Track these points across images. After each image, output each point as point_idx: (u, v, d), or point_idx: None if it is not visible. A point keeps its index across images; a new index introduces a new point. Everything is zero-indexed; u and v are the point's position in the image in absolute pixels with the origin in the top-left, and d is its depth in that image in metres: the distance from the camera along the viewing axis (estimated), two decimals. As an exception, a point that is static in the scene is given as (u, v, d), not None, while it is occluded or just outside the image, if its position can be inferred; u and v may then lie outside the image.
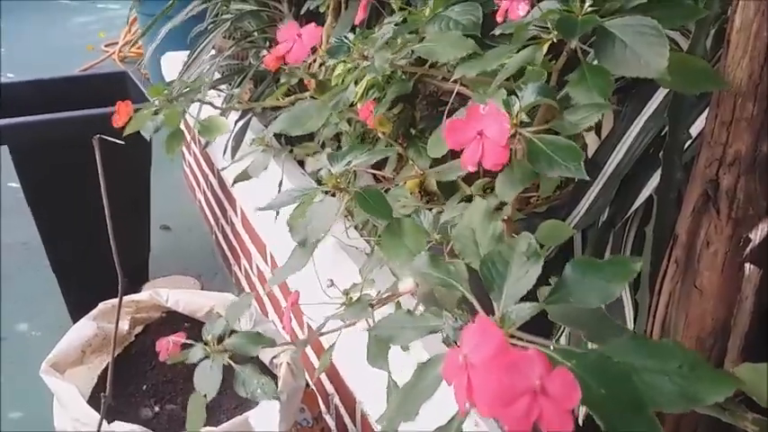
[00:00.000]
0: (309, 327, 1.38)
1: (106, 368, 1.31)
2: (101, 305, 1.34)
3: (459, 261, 0.59)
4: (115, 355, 1.05)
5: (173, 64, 2.33)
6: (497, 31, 0.68)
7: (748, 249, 0.59)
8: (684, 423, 0.64)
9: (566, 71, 0.63)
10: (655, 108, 0.79)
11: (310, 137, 1.32)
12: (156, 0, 3.11)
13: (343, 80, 1.02)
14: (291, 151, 1.39)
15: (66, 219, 1.83)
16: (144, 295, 1.38)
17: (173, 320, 1.39)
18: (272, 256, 1.60)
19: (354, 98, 0.96)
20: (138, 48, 3.92)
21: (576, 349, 0.43)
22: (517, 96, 0.60)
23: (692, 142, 0.74)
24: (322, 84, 1.12)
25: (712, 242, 0.61)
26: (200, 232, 2.38)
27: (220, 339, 0.73)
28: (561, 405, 0.38)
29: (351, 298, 0.75)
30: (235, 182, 1.33)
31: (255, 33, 1.64)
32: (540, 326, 0.49)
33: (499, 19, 0.62)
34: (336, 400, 1.31)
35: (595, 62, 0.59)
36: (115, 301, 1.32)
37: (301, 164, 1.48)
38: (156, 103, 1.16)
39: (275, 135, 1.33)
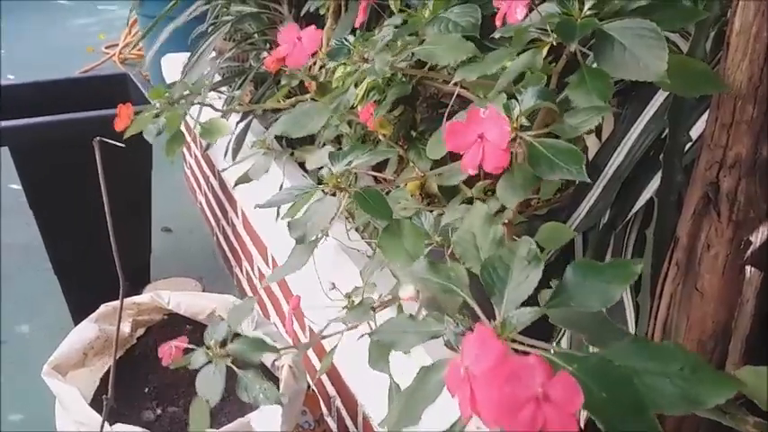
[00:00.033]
0: (311, 330, 1.38)
1: (108, 370, 1.31)
2: (102, 307, 1.34)
3: (460, 266, 0.59)
4: (117, 357, 1.05)
5: (173, 65, 2.33)
6: (497, 35, 0.68)
7: (749, 252, 0.59)
8: (685, 426, 0.64)
9: (565, 74, 0.63)
10: (655, 110, 0.79)
11: (311, 139, 1.32)
12: (157, 1, 3.11)
13: (343, 82, 1.02)
14: (292, 154, 1.39)
15: (68, 220, 1.83)
16: (145, 297, 1.38)
17: (174, 323, 1.39)
18: (273, 258, 1.60)
19: (355, 100, 0.96)
20: (139, 49, 3.93)
21: (577, 353, 0.43)
22: (517, 100, 0.60)
23: (692, 145, 0.74)
24: (323, 86, 1.12)
25: (713, 245, 0.61)
26: (202, 234, 2.38)
27: (223, 343, 0.73)
28: (564, 410, 0.38)
29: (353, 301, 0.75)
30: (236, 184, 1.34)
31: (256, 35, 1.64)
32: (541, 329, 0.50)
33: (498, 23, 0.62)
34: (338, 402, 1.31)
35: (595, 65, 0.59)
36: (116, 303, 1.32)
37: (302, 166, 1.48)
38: (157, 105, 1.16)
39: (276, 137, 1.33)
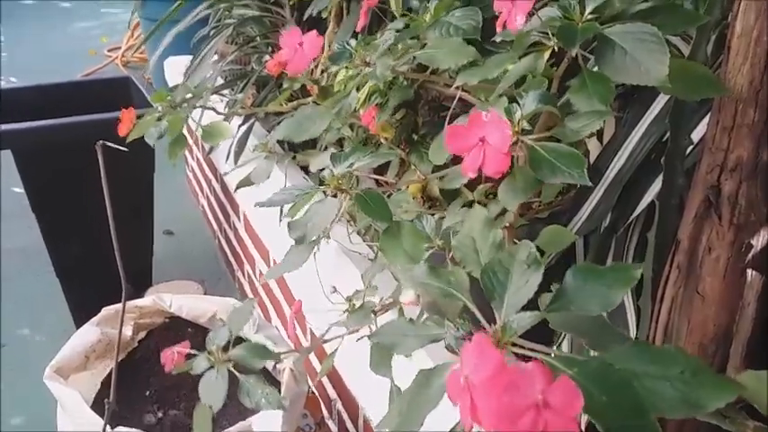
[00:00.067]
0: (313, 333, 1.38)
1: (109, 374, 1.31)
2: (104, 311, 1.34)
3: (460, 270, 0.59)
4: (118, 360, 1.05)
5: (175, 68, 2.33)
6: (498, 38, 0.68)
7: (750, 255, 0.59)
8: (686, 430, 0.64)
9: (567, 77, 0.63)
10: (656, 114, 0.79)
11: (313, 143, 1.32)
12: (159, 3, 3.12)
13: (345, 86, 1.02)
14: (294, 157, 1.39)
15: (70, 223, 1.84)
16: (147, 300, 1.38)
17: (176, 326, 1.39)
18: (274, 261, 1.60)
19: (357, 104, 0.96)
20: (142, 52, 3.93)
21: (578, 357, 0.43)
22: (518, 104, 0.60)
23: (693, 148, 0.74)
24: (324, 89, 1.12)
25: (714, 248, 0.61)
26: (203, 237, 2.39)
27: (225, 348, 0.73)
28: (565, 414, 0.38)
29: (354, 305, 0.75)
30: (238, 187, 1.34)
31: (258, 38, 1.65)
32: (542, 332, 0.50)
33: (498, 28, 0.62)
34: (339, 405, 1.31)
35: (596, 69, 0.59)
36: (118, 306, 1.32)
37: (304, 169, 1.48)
38: (160, 108, 1.16)
39: (278, 141, 1.33)
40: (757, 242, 0.58)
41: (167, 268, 2.13)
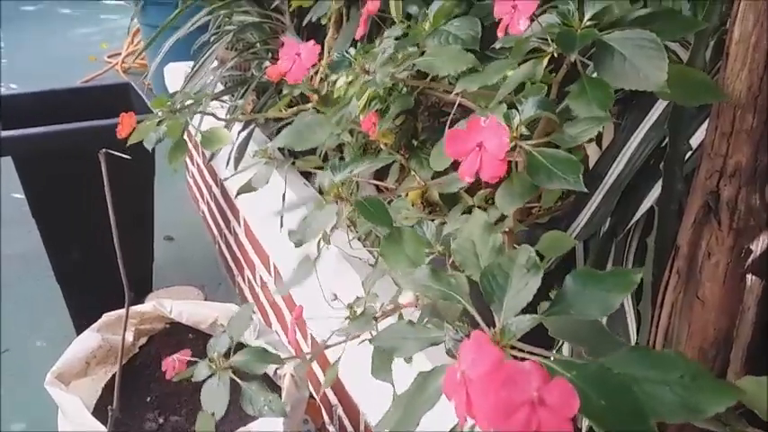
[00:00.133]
0: (313, 339, 1.38)
1: (110, 380, 1.31)
2: (105, 316, 1.34)
3: (461, 274, 0.59)
4: (120, 366, 1.06)
5: (176, 75, 2.34)
6: (498, 44, 0.69)
7: (750, 260, 0.59)
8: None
9: (566, 83, 0.64)
10: (655, 119, 0.79)
11: (313, 149, 1.33)
12: (159, 10, 3.12)
13: (345, 92, 1.02)
14: (294, 163, 1.40)
15: (70, 229, 1.84)
16: (148, 306, 1.38)
17: (176, 332, 1.39)
18: (275, 267, 1.60)
19: (356, 111, 0.96)
20: (142, 59, 3.94)
21: (577, 360, 0.43)
22: (517, 110, 0.60)
23: (692, 153, 0.74)
24: (324, 97, 1.13)
25: (714, 253, 0.61)
26: (204, 243, 2.39)
27: (226, 355, 0.73)
28: (560, 414, 0.38)
29: (355, 312, 0.75)
30: (238, 193, 1.34)
31: (258, 45, 1.65)
32: (542, 338, 0.50)
33: (500, 34, 0.63)
34: (340, 411, 1.31)
35: (595, 75, 0.59)
36: (119, 312, 1.32)
37: (304, 175, 1.48)
38: (160, 114, 1.17)
39: (278, 147, 1.34)
40: (757, 247, 0.58)
41: (168, 274, 2.13)
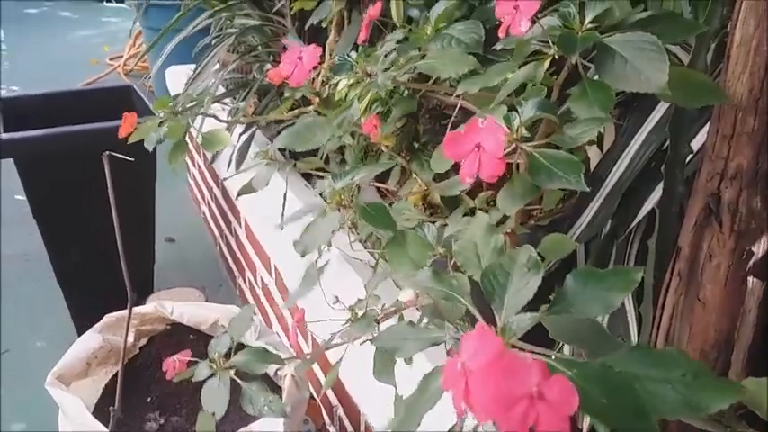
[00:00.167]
0: (314, 340, 1.38)
1: (111, 380, 1.31)
2: (106, 318, 1.34)
3: (462, 274, 0.59)
4: (122, 367, 1.06)
5: (177, 77, 2.34)
6: (499, 46, 0.69)
7: (751, 263, 0.59)
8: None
9: (567, 86, 0.64)
10: (656, 122, 0.79)
11: (314, 151, 1.33)
12: (160, 13, 3.13)
13: (346, 95, 1.03)
14: (295, 165, 1.40)
15: (71, 230, 1.84)
16: (149, 307, 1.38)
17: (177, 332, 1.39)
18: (276, 269, 1.60)
19: (358, 114, 0.96)
20: (144, 61, 3.94)
21: (578, 359, 0.43)
22: (518, 112, 0.60)
23: (693, 156, 0.74)
24: (326, 99, 1.13)
25: (715, 255, 0.61)
26: (205, 244, 2.39)
27: (227, 355, 0.73)
28: (559, 411, 0.38)
29: (356, 314, 0.76)
30: (239, 194, 1.34)
31: (259, 48, 1.66)
32: (544, 338, 0.50)
33: (501, 35, 0.63)
34: (340, 411, 1.31)
35: (596, 77, 0.59)
36: (120, 313, 1.32)
37: (305, 176, 1.48)
38: (161, 115, 1.17)
39: (279, 149, 1.34)
40: (758, 249, 0.59)
41: (169, 275, 2.13)
